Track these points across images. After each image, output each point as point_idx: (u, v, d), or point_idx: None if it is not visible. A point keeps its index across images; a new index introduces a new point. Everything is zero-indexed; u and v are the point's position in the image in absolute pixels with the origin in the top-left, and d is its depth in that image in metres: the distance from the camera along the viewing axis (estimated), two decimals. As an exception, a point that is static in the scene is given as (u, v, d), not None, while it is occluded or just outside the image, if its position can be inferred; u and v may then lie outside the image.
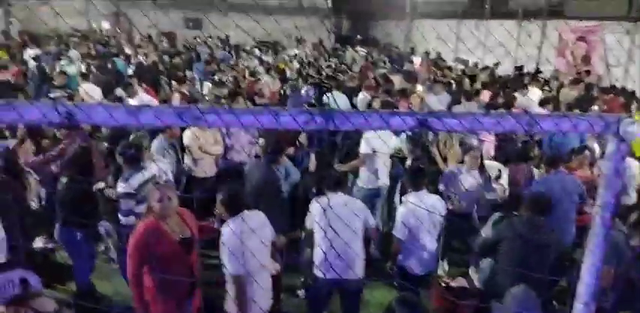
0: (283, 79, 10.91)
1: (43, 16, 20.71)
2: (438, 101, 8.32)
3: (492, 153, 6.28)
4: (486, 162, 5.29)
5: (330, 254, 3.54)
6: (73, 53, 12.61)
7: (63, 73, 8.72)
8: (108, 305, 4.35)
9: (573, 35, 14.18)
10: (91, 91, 8.02)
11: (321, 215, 3.66)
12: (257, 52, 17.45)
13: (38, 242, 4.76)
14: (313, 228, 3.77)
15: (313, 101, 8.33)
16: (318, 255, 3.73)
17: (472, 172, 4.97)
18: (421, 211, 3.71)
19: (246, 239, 3.14)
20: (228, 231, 3.22)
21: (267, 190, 4.11)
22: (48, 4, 20.98)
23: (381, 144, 5.15)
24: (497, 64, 14.05)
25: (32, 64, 11.28)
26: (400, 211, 3.96)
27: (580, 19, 13.55)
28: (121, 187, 4.04)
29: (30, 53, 13.05)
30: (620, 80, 12.08)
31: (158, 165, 4.34)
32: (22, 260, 3.43)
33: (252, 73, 11.30)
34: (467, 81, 11.42)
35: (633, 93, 10.40)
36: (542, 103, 7.63)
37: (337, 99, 8.09)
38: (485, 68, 13.17)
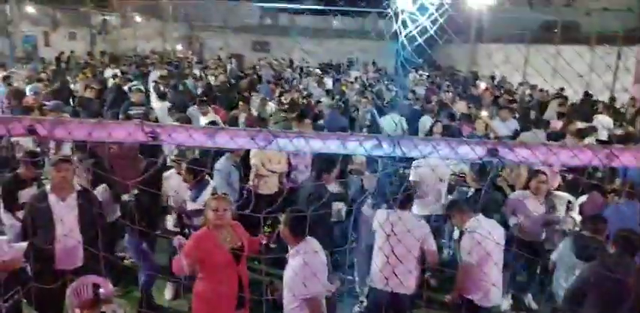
0: (343, 101, 11.05)
1: (125, 38, 22.38)
2: (504, 127, 8.07)
3: (560, 183, 5.97)
4: (556, 193, 5.04)
5: (385, 266, 3.63)
6: (154, 74, 13.44)
7: (139, 90, 9.23)
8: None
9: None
10: (166, 110, 8.45)
11: (381, 228, 3.71)
12: (318, 72, 17.81)
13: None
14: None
15: (367, 123, 8.38)
16: (374, 266, 3.85)
17: (537, 198, 4.76)
18: (488, 239, 3.55)
19: (315, 261, 3.16)
20: (304, 252, 3.18)
21: (314, 208, 4.16)
22: (130, 27, 22.67)
23: (430, 173, 5.01)
24: (562, 90, 13.47)
25: (111, 82, 12.12)
26: (466, 238, 3.82)
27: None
28: (191, 205, 4.21)
29: (109, 72, 14.06)
30: None
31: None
32: (97, 266, 3.62)
33: (309, 95, 11.52)
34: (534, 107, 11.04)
35: None
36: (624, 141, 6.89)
37: (395, 122, 8.09)
38: (558, 96, 12.62)
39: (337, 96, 11.35)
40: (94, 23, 22.73)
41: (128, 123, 1.86)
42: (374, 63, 22.00)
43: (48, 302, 3.25)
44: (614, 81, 14.84)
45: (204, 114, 7.65)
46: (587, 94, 13.44)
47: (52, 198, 3.75)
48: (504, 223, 4.60)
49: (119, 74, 13.51)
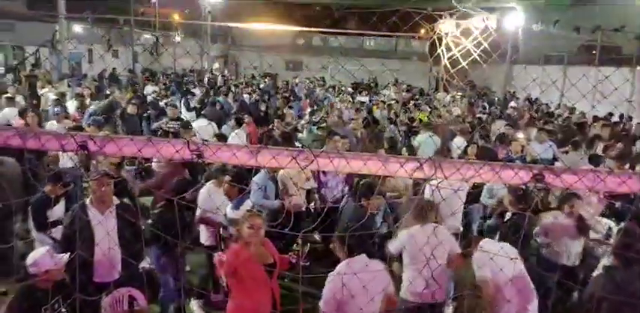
0: (374, 120, 11.09)
1: (165, 56, 23.17)
2: (541, 149, 7.90)
3: (600, 208, 5.77)
4: (598, 219, 4.88)
5: (416, 278, 3.72)
6: (197, 91, 13.93)
7: (174, 106, 9.53)
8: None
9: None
10: (205, 126, 8.70)
11: (410, 242, 3.78)
12: (350, 90, 17.95)
13: (143, 263, 5.08)
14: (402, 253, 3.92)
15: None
16: (405, 279, 3.91)
17: (570, 221, 4.62)
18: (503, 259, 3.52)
19: (353, 287, 3.07)
20: (339, 272, 3.17)
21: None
22: (170, 46, 23.49)
23: (451, 193, 4.86)
24: (611, 115, 13.17)
25: (150, 98, 12.52)
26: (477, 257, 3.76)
27: None
28: (230, 213, 4.24)
29: (149, 89, 14.54)
30: None
31: None
32: (133, 278, 3.67)
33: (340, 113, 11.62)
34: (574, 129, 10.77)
35: None
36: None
37: (427, 142, 8.04)
38: (599, 119, 12.30)
39: (366, 115, 11.39)
40: (142, 42, 23.63)
41: (176, 142, 1.93)
42: (396, 82, 21.91)
43: (86, 313, 3.31)
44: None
45: (234, 129, 7.91)
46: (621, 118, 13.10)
47: (92, 212, 3.84)
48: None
49: (158, 91, 13.99)
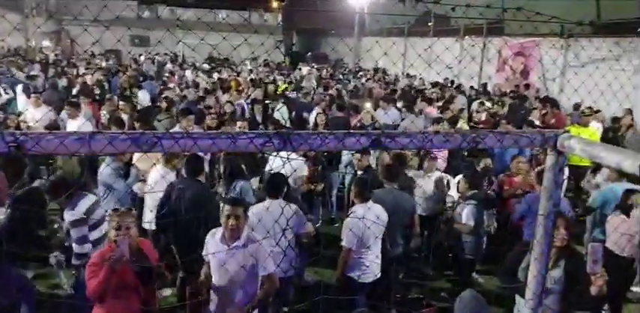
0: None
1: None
2: (387, 116, 8.56)
3: (443, 165, 6.52)
4: (437, 173, 5.52)
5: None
6: (20, 74, 12.13)
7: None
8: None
9: (511, 51, 15.02)
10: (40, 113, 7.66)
11: (258, 219, 3.77)
12: (206, 67, 17.36)
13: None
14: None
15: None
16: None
17: (430, 176, 5.22)
18: (368, 221, 3.83)
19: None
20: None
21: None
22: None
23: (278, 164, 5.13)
24: (446, 80, 14.65)
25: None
26: (347, 222, 3.99)
27: (518, 36, 14.38)
28: (69, 215, 3.81)
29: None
30: (555, 93, 12.78)
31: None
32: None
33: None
34: (414, 96, 11.80)
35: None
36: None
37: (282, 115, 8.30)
38: (436, 84, 13.65)
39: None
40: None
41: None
42: (256, 58, 21.75)
43: None
44: (480, 69, 16.41)
45: (73, 117, 6.99)
46: (452, 83, 14.70)
47: None
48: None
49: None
